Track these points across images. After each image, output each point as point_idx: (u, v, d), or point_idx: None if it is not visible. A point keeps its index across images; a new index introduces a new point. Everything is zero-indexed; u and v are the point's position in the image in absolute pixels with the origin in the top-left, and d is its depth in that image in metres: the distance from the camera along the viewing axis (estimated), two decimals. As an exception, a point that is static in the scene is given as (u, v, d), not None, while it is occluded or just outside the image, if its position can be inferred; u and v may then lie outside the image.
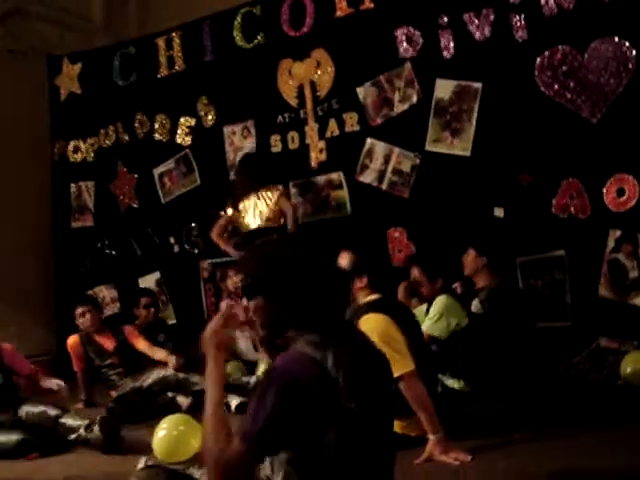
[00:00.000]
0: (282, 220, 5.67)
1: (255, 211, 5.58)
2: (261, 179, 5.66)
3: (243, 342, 6.08)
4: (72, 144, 7.33)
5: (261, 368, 5.22)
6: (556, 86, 5.03)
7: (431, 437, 3.17)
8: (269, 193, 5.60)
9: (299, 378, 1.74)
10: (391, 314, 3.35)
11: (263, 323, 1.96)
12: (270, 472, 2.11)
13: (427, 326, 4.06)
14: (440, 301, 4.18)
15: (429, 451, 3.14)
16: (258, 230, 5.55)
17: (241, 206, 5.66)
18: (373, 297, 3.53)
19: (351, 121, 5.96)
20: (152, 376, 4.86)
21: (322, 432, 1.76)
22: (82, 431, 4.06)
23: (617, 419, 3.73)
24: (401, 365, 3.14)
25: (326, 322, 1.91)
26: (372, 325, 3.20)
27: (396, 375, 3.08)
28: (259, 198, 5.62)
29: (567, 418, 3.87)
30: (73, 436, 4.10)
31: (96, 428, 4.00)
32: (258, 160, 5.97)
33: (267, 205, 5.58)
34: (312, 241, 2.09)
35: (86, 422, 4.10)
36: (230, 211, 5.69)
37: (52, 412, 4.20)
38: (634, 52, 4.75)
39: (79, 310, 5.37)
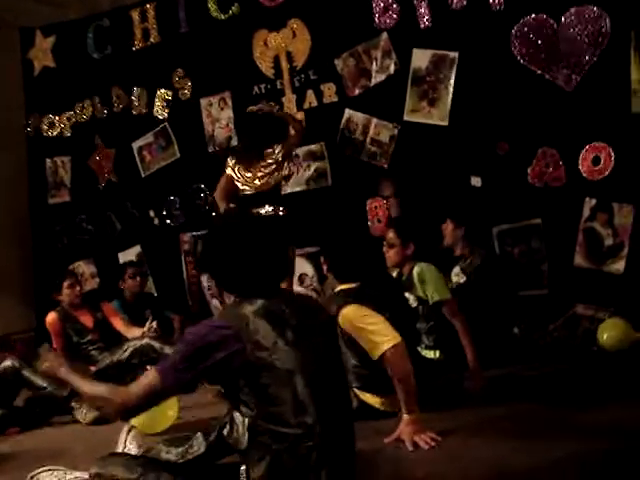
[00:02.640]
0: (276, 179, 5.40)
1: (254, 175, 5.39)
2: (263, 140, 5.38)
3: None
4: (47, 119, 7.24)
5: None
6: (532, 55, 5.02)
7: (405, 416, 3.12)
8: (271, 151, 5.30)
9: (206, 335, 2.07)
10: (363, 301, 3.34)
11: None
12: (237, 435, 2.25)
13: (439, 295, 4.05)
14: (429, 269, 4.15)
15: (400, 431, 3.10)
16: (251, 196, 5.43)
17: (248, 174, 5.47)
18: (344, 287, 3.52)
19: (329, 92, 5.94)
20: (129, 348, 4.87)
21: (237, 380, 2.05)
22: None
23: (592, 385, 3.77)
24: (385, 340, 3.15)
25: (261, 291, 2.16)
26: (347, 318, 3.28)
27: (383, 350, 3.12)
28: (261, 161, 5.41)
29: (543, 386, 3.92)
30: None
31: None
32: (258, 119, 5.78)
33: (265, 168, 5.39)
34: (245, 220, 2.34)
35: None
36: (229, 170, 5.50)
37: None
38: (609, 20, 4.75)
39: (67, 282, 5.37)
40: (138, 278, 6.01)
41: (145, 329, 5.04)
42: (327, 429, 2.04)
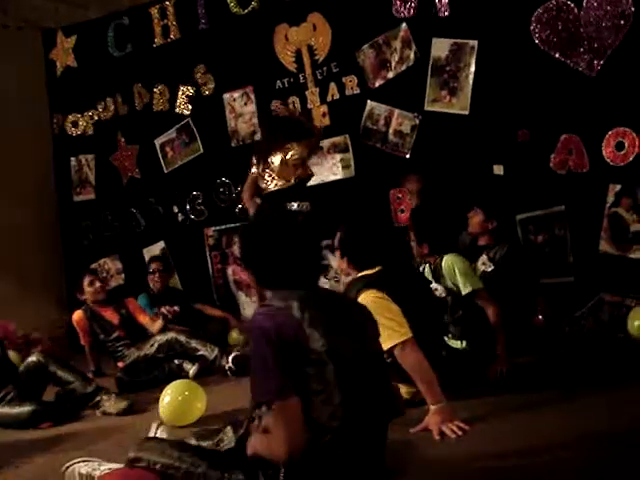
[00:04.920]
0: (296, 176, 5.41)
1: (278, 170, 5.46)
2: (283, 136, 5.44)
3: (249, 308, 6.18)
4: (70, 118, 7.33)
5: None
6: (553, 40, 4.99)
7: (431, 407, 3.13)
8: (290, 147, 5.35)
9: (273, 326, 1.96)
10: (384, 287, 3.33)
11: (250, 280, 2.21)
12: None
13: (471, 285, 4.05)
14: (458, 260, 4.16)
15: (427, 421, 3.10)
16: (276, 192, 5.40)
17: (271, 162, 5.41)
18: (365, 272, 3.51)
19: (351, 84, 5.96)
20: (155, 343, 4.96)
21: (301, 370, 1.99)
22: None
23: (619, 373, 3.75)
24: (396, 335, 3.16)
25: (296, 284, 2.11)
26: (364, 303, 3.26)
27: (390, 345, 3.12)
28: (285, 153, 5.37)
29: (570, 375, 3.90)
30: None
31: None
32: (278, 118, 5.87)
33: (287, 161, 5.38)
34: (280, 214, 2.30)
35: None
36: (254, 170, 5.52)
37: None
38: (631, 3, 4.71)
39: (87, 280, 5.44)
40: (157, 274, 6.11)
41: (164, 311, 5.13)
42: (360, 426, 2.04)
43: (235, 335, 5.79)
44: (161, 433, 3.27)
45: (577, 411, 3.17)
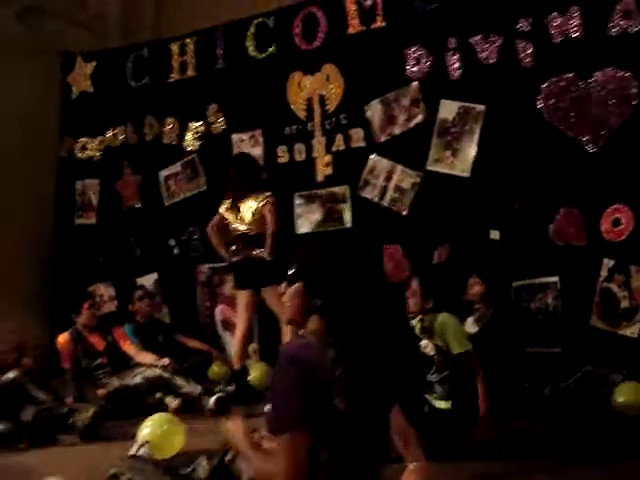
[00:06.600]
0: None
1: (247, 214, 5.47)
2: (256, 182, 5.55)
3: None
4: (80, 142, 7.38)
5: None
6: (559, 113, 5.09)
7: (409, 466, 3.12)
8: (259, 197, 5.42)
9: (305, 360, 1.85)
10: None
11: (294, 306, 2.05)
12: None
13: (462, 346, 4.04)
14: (452, 321, 4.16)
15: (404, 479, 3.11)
16: (244, 234, 5.45)
17: (241, 207, 5.48)
18: None
19: (357, 137, 6.03)
20: (138, 375, 4.95)
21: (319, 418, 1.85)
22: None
23: (605, 448, 3.73)
24: None
25: (347, 322, 2.00)
26: None
27: None
28: (253, 201, 5.43)
29: (552, 445, 3.88)
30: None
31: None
32: (253, 161, 5.83)
33: (255, 209, 5.42)
34: (358, 247, 2.21)
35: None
36: (223, 209, 5.58)
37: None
38: (637, 84, 4.82)
39: (87, 303, 5.49)
40: (147, 300, 6.07)
41: (159, 364, 5.11)
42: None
43: (216, 369, 5.75)
44: (143, 452, 3.25)
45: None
